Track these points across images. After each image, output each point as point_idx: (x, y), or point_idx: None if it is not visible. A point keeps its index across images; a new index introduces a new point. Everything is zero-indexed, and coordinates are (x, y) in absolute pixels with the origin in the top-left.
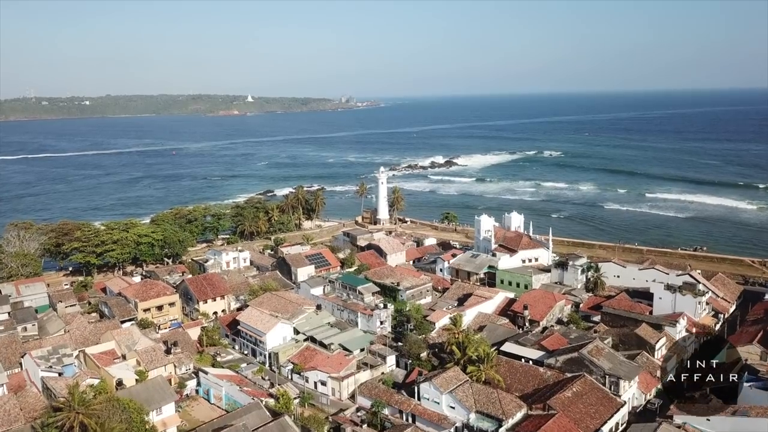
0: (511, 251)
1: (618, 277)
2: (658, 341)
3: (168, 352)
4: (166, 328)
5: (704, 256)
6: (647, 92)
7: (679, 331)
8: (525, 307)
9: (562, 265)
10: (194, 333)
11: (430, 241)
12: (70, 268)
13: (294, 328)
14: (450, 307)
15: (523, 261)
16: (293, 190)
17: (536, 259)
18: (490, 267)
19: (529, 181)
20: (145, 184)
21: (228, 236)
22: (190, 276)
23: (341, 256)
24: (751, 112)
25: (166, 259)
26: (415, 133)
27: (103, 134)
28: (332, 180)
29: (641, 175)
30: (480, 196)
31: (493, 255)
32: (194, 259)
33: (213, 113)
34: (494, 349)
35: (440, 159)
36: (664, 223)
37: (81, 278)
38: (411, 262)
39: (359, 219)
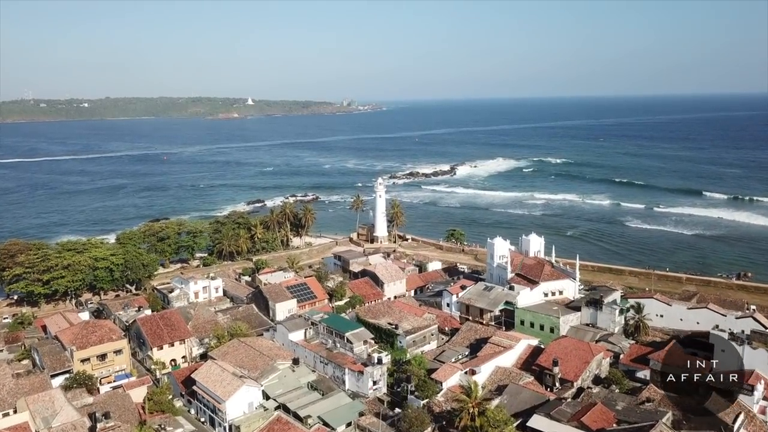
0: (532, 283)
1: (661, 317)
2: (736, 419)
3: (93, 429)
4: (110, 383)
5: (755, 287)
6: (648, 97)
7: (757, 400)
8: (555, 363)
9: (594, 303)
10: (139, 394)
11: (435, 266)
12: (15, 297)
13: (263, 392)
14: (461, 356)
15: (546, 294)
16: (285, 200)
17: (560, 292)
18: (506, 303)
19: (538, 191)
20: (129, 191)
21: (205, 256)
22: (147, 312)
23: (330, 285)
24: (757, 117)
25: (128, 286)
26: (417, 137)
27: (97, 137)
28: (328, 189)
29: (659, 187)
30: (487, 209)
31: (511, 288)
32: (158, 288)
33: (212, 116)
34: (518, 421)
35: (443, 166)
36: (693, 243)
37: (26, 309)
38: (412, 292)
39: (354, 236)
